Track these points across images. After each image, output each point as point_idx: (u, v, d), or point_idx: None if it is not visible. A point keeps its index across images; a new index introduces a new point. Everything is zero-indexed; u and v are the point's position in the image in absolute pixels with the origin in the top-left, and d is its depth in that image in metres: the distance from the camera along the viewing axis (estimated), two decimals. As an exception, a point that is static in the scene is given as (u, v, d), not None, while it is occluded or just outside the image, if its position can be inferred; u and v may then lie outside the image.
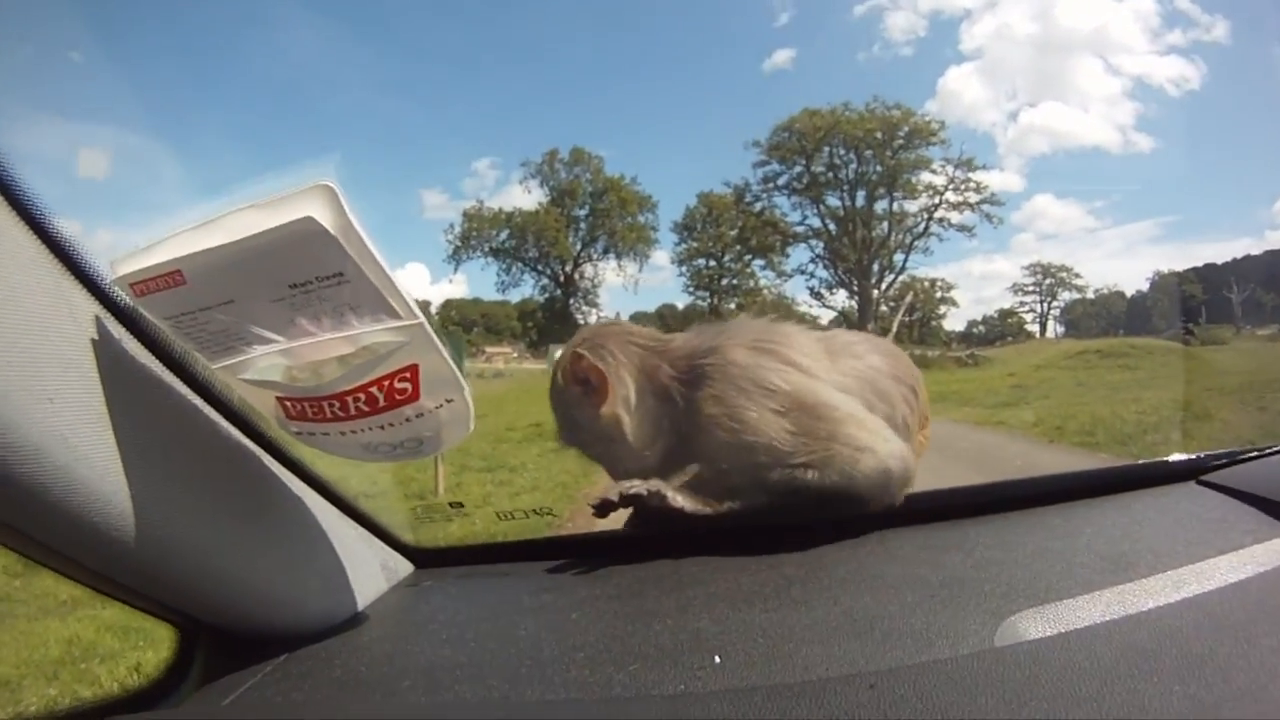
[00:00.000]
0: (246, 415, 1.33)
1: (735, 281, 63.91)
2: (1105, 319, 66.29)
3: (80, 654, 5.07)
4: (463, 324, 71.32)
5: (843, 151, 54.74)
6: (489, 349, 61.51)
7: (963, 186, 54.01)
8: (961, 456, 11.52)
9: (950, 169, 53.89)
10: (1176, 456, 2.02)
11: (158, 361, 1.19)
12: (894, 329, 51.43)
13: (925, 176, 54.66)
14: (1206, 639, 1.03)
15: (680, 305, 75.89)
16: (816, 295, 58.01)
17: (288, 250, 0.99)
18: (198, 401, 1.25)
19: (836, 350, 2.00)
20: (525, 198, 60.27)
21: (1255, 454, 1.92)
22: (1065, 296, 67.96)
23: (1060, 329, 65.47)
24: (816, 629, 1.24)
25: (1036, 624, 1.18)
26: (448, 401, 1.21)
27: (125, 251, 1.06)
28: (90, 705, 1.61)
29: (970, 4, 68.56)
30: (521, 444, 15.47)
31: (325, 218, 0.97)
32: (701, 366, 1.86)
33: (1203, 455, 1.96)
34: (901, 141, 53.92)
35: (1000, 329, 67.57)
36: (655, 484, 1.77)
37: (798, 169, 55.77)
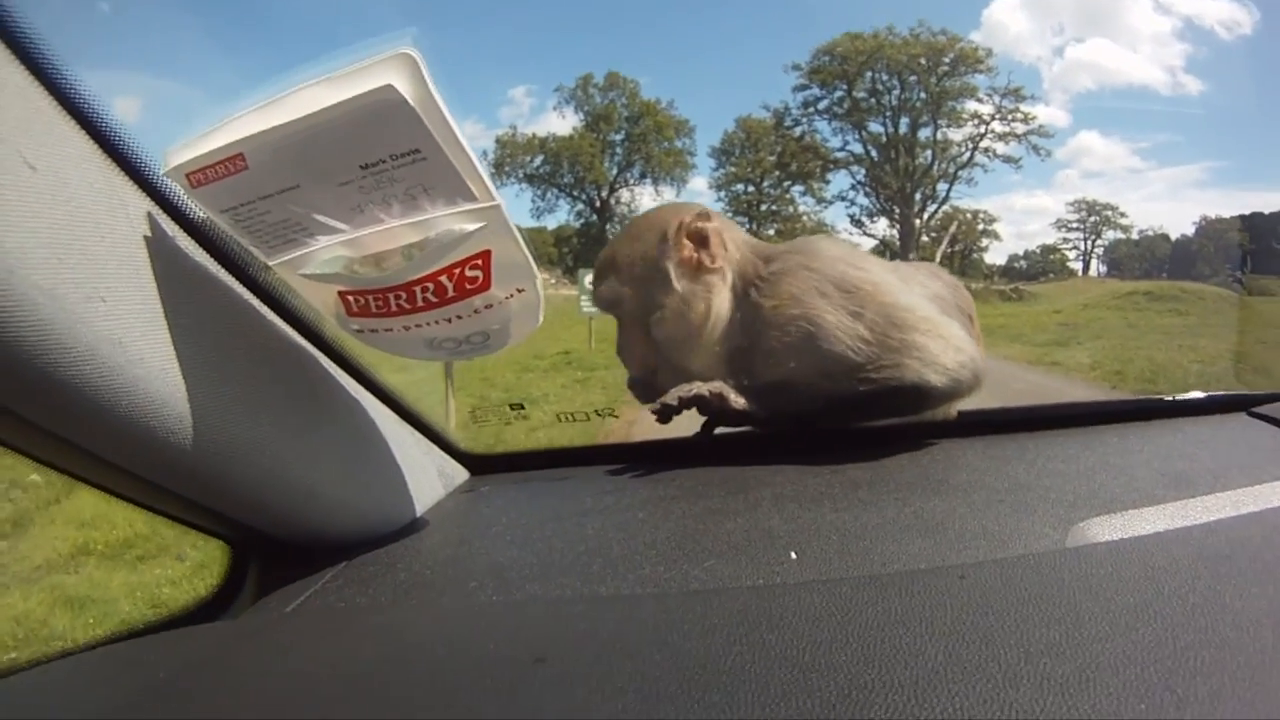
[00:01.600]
0: (306, 316, 1.31)
1: (775, 208, 64.02)
2: (1149, 261, 66.44)
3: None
4: None
5: (885, 77, 54.06)
6: None
7: (1009, 116, 53.28)
8: (1022, 399, 11.16)
9: (997, 98, 53.10)
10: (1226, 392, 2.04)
11: (214, 260, 1.16)
12: (937, 259, 50.70)
13: (971, 105, 53.96)
14: (1276, 549, 1.02)
15: None
16: (857, 223, 57.68)
17: (363, 124, 0.93)
18: (255, 302, 1.22)
19: (905, 275, 1.97)
20: (561, 124, 60.42)
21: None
22: (1109, 236, 67.98)
23: (1102, 268, 65.91)
24: (888, 528, 1.24)
25: (1106, 529, 1.19)
26: (519, 291, 1.17)
27: (181, 141, 0.99)
28: (145, 623, 1.54)
29: None
30: (548, 373, 15.59)
31: (405, 88, 0.91)
32: (785, 266, 1.83)
33: (1251, 393, 1.97)
34: (947, 68, 53.12)
35: (1042, 265, 67.70)
36: (718, 385, 1.74)
37: (839, 94, 55.04)
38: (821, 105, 55.74)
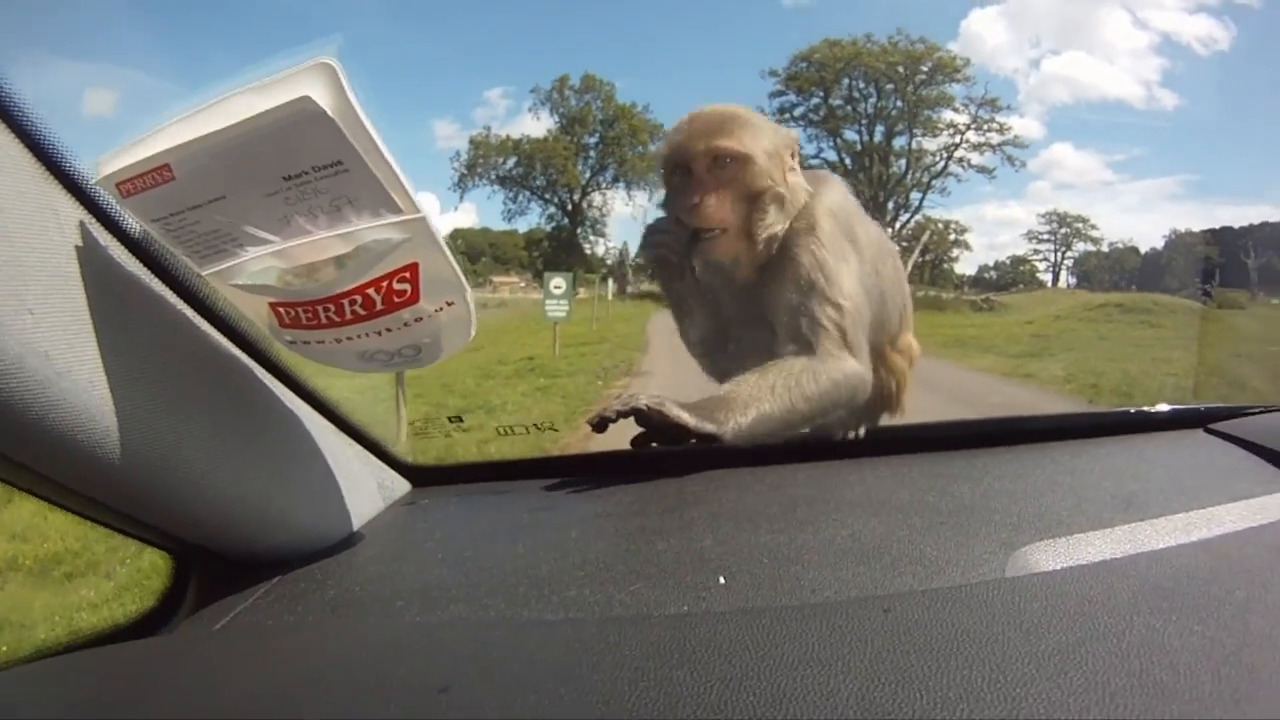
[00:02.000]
0: (239, 326, 1.31)
1: None
2: (1118, 273, 66.89)
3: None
4: (470, 253, 72.28)
5: (862, 85, 54.29)
6: (496, 278, 62.05)
7: (985, 126, 53.54)
8: (1000, 414, 11.11)
9: (973, 108, 53.44)
10: (1183, 406, 2.10)
11: (146, 270, 1.16)
12: (908, 268, 50.56)
13: (946, 114, 54.30)
14: (1223, 581, 1.03)
15: None
16: None
17: (282, 136, 0.94)
18: (188, 312, 1.23)
19: (885, 253, 2.23)
20: (535, 126, 60.10)
21: (1261, 409, 1.97)
22: (1079, 247, 68.47)
23: (1072, 280, 66.40)
24: (822, 551, 1.25)
25: (1048, 556, 1.19)
26: (448, 304, 1.18)
27: (112, 150, 1.01)
28: (86, 636, 1.57)
29: None
30: (509, 380, 15.44)
31: (324, 99, 0.92)
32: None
33: (1209, 406, 2.01)
34: (924, 76, 53.43)
35: (1012, 275, 68.23)
36: (656, 398, 1.73)
37: (815, 101, 55.19)
38: (797, 112, 55.69)
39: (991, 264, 70.91)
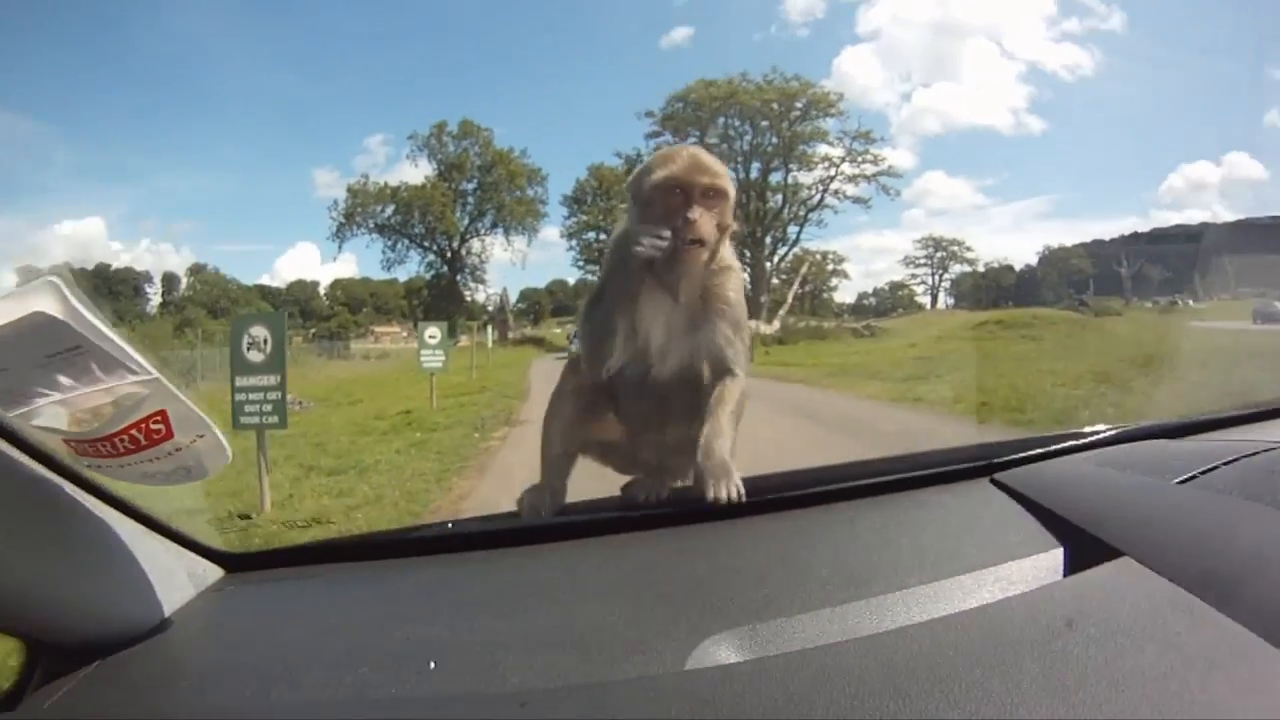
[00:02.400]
0: (46, 450, 1.39)
1: None
2: (995, 291, 70.41)
3: None
4: (350, 304, 72.26)
5: (738, 122, 55.27)
6: (377, 329, 62.84)
7: (859, 159, 54.82)
8: (894, 443, 10.71)
9: (847, 141, 54.68)
10: (976, 444, 2.13)
11: None
12: (788, 300, 52.69)
13: (821, 149, 55.44)
14: (946, 666, 1.02)
15: (571, 280, 76.89)
16: None
17: (31, 335, 1.15)
18: (3, 445, 1.31)
19: None
20: (413, 173, 60.08)
21: (1063, 446, 1.97)
22: (956, 269, 72.22)
23: (950, 301, 70.09)
24: (530, 639, 1.33)
25: (730, 647, 1.20)
26: (200, 437, 1.43)
27: None
28: None
29: None
30: (385, 435, 14.87)
31: (53, 308, 1.14)
32: None
33: (1002, 444, 2.01)
34: (799, 112, 54.46)
35: (891, 301, 71.98)
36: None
37: (691, 140, 54.18)
38: None
39: (870, 291, 74.57)
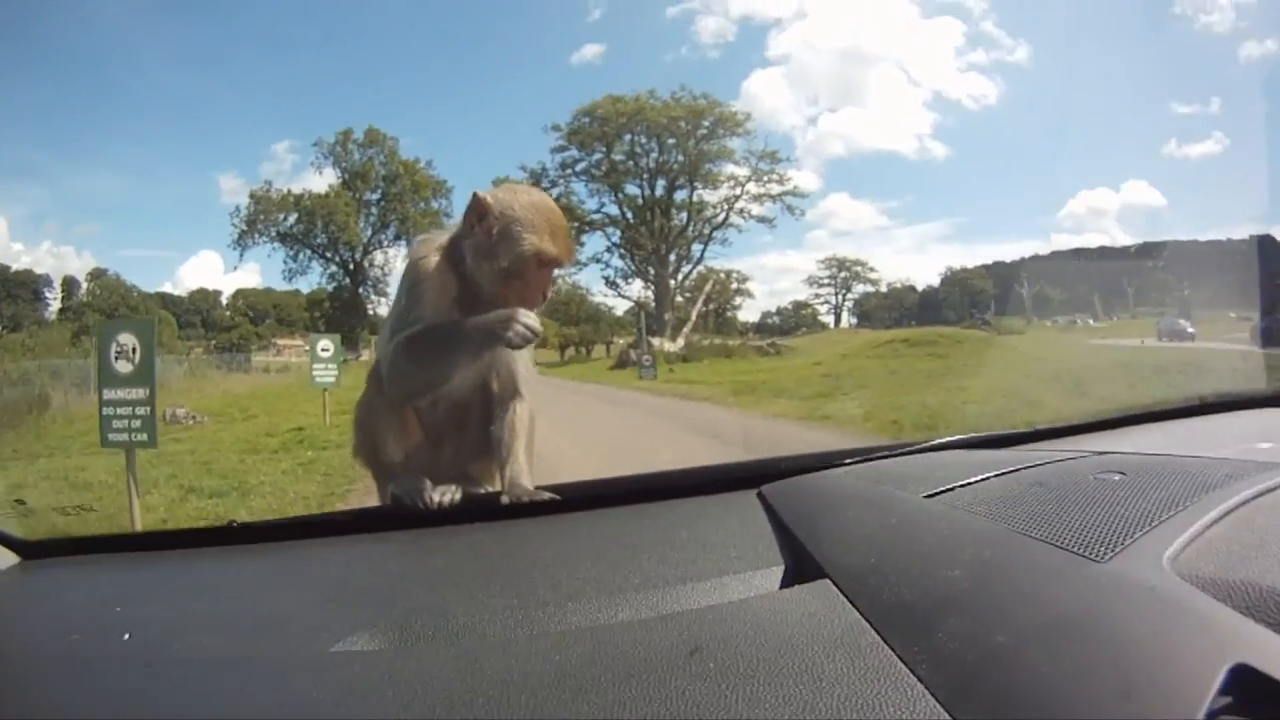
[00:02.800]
0: None
1: None
2: (898, 310, 71.56)
3: None
4: (253, 315, 70.62)
5: (644, 140, 54.72)
6: (280, 341, 60.81)
7: (765, 178, 54.72)
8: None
9: (754, 160, 54.49)
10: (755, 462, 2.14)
11: None
12: (693, 318, 52.93)
13: (728, 168, 55.27)
14: (579, 672, 1.04)
15: None
16: (612, 284, 58.84)
17: None
18: None
19: None
20: (317, 181, 58.76)
21: (850, 460, 1.97)
22: (859, 289, 71.95)
23: (853, 320, 70.21)
24: (238, 620, 1.45)
25: (386, 636, 1.26)
26: None
27: None
28: None
29: (781, 13, 72.85)
30: (275, 454, 14.10)
31: None
32: None
33: (785, 458, 2.02)
34: (706, 130, 54.12)
35: (795, 320, 71.91)
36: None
37: (597, 156, 55.46)
38: (580, 167, 56.02)
39: (774, 310, 73.76)
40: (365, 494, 10.54)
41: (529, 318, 2.04)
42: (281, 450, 14.27)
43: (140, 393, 8.02)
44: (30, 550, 1.94)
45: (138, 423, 7.91)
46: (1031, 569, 1.12)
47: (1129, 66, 65.49)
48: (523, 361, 2.29)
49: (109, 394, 8.07)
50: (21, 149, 75.56)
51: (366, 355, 40.44)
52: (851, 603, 1.11)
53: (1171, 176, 61.99)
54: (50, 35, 70.75)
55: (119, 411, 7.97)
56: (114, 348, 7.97)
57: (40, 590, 1.79)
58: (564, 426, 15.36)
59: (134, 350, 8.05)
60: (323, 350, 17.98)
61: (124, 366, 8.02)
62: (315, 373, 17.87)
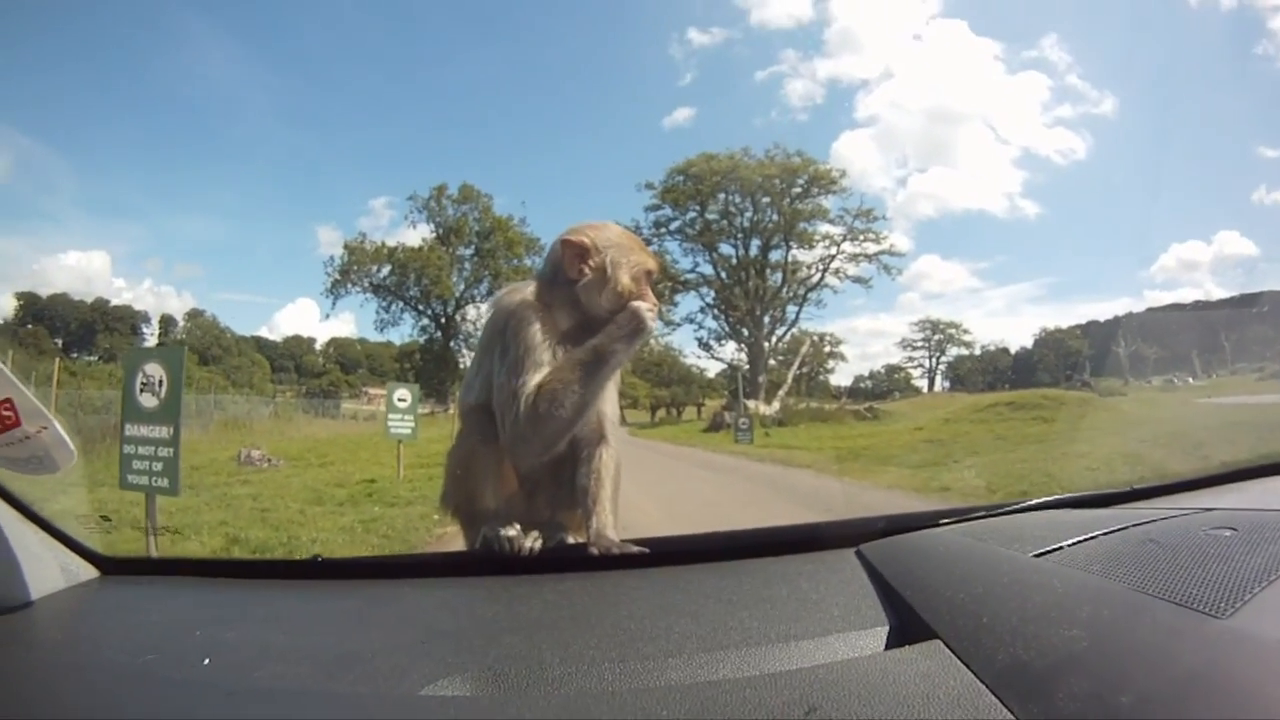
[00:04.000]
0: None
1: None
2: (991, 373, 71.43)
3: None
4: (344, 363, 71.59)
5: (738, 199, 53.47)
6: (370, 390, 61.05)
7: (861, 237, 52.87)
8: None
9: (849, 219, 52.83)
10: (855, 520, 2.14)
11: None
12: (789, 380, 50.88)
13: (822, 227, 53.67)
14: None
15: None
16: (705, 346, 57.34)
17: None
18: None
19: None
20: (411, 235, 58.98)
21: (951, 519, 1.93)
22: (952, 352, 72.16)
23: (945, 384, 69.12)
24: (322, 653, 1.45)
25: (475, 680, 1.26)
26: (43, 428, 1.65)
27: None
28: None
29: (867, 74, 77.43)
30: (340, 506, 12.90)
31: None
32: None
33: (879, 518, 1.96)
34: (800, 189, 52.75)
35: (888, 384, 71.61)
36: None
37: (691, 214, 54.35)
38: (673, 226, 54.80)
39: (867, 374, 74.22)
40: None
41: (647, 301, 2.21)
42: (348, 503, 13.06)
43: (164, 431, 6.89)
44: (110, 566, 2.01)
45: (159, 465, 6.82)
46: (1152, 627, 1.11)
47: (1214, 113, 66.03)
48: (611, 404, 2.32)
49: (131, 430, 6.99)
50: (125, 190, 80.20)
51: (454, 408, 39.93)
52: (965, 663, 1.09)
53: (1263, 224, 61.20)
54: (155, 84, 74.54)
55: (140, 450, 6.91)
56: (139, 379, 6.77)
57: (118, 605, 1.86)
58: (658, 493, 14.21)
59: (160, 383, 6.97)
60: (399, 400, 16.74)
61: (149, 400, 6.92)
62: (391, 423, 16.64)
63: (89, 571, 1.94)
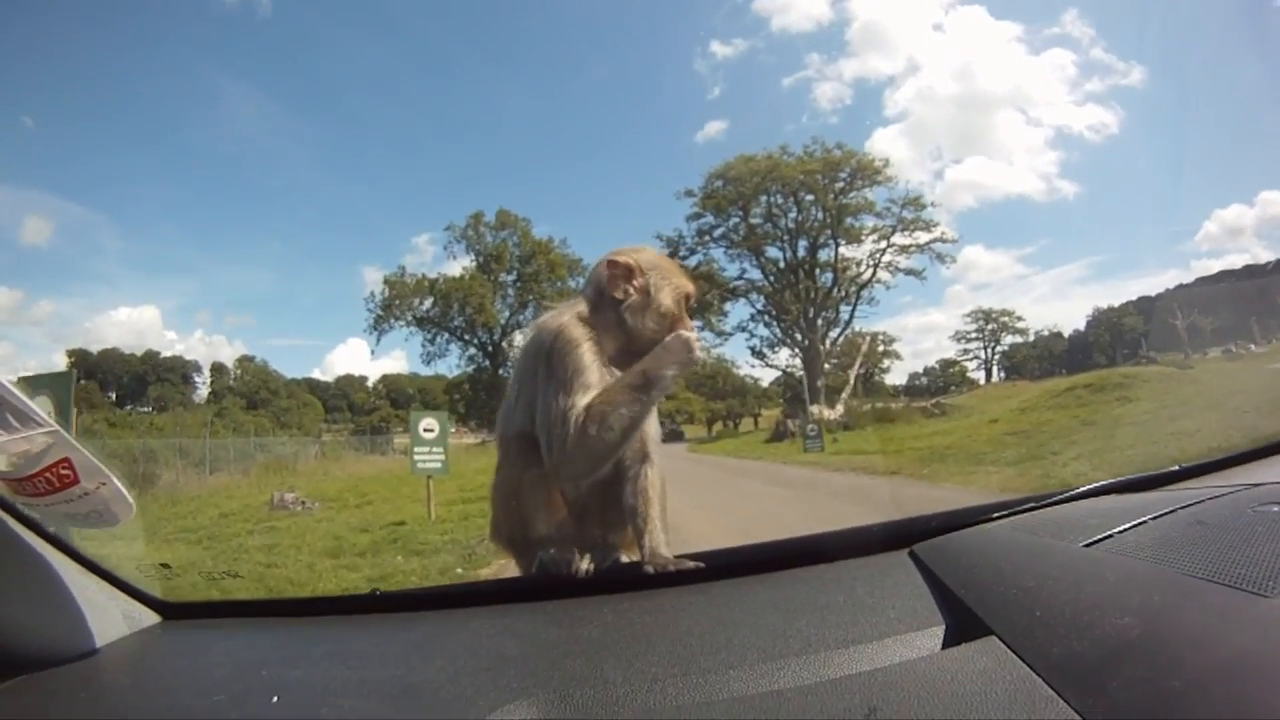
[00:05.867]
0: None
1: None
2: (1047, 360, 71.51)
3: None
4: (395, 398, 71.92)
5: (780, 199, 51.63)
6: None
7: (912, 226, 50.56)
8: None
9: (897, 209, 50.58)
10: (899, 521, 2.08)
11: None
12: (851, 381, 48.97)
13: (870, 221, 51.69)
14: None
15: None
16: (758, 354, 55.86)
17: None
18: None
19: None
20: (452, 265, 58.78)
21: (1002, 512, 1.92)
22: (1007, 341, 71.93)
23: (1001, 374, 67.07)
24: (386, 687, 1.45)
25: (543, 705, 1.25)
26: (102, 484, 1.64)
27: None
28: None
29: (893, 70, 76.10)
30: (360, 557, 11.12)
31: None
32: None
33: (930, 516, 1.97)
34: (843, 183, 50.63)
35: (943, 379, 70.45)
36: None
37: (734, 220, 52.63)
38: (717, 233, 53.16)
39: (921, 371, 75.09)
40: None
41: (692, 331, 2.22)
42: (368, 552, 11.28)
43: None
44: (171, 611, 2.03)
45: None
46: (1202, 610, 1.11)
47: (1244, 72, 64.95)
48: (653, 422, 2.28)
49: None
50: (172, 247, 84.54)
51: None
52: (1020, 658, 1.10)
53: (1307, 180, 57.88)
54: (195, 144, 77.37)
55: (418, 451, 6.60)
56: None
57: (182, 649, 1.85)
58: (733, 520, 12.37)
59: (49, 414, 5.14)
60: (425, 430, 15.01)
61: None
62: (417, 458, 14.81)
63: (151, 617, 1.96)
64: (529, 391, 2.21)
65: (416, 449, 14.64)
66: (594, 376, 2.13)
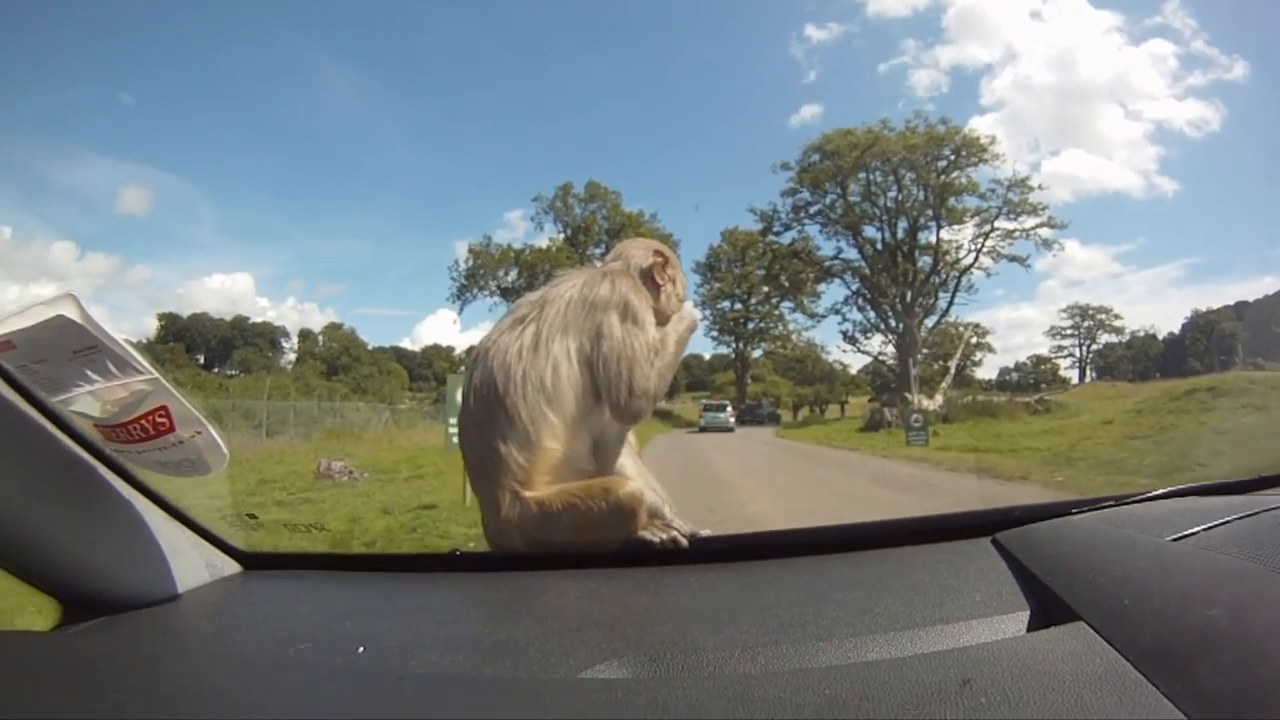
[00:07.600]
0: (83, 434, 1.59)
1: (763, 325, 60.98)
2: (1142, 361, 71.33)
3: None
4: None
5: (880, 176, 49.12)
6: None
7: (1017, 210, 47.63)
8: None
9: (1002, 190, 47.66)
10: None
11: (17, 395, 1.46)
12: (951, 370, 46.44)
13: (973, 202, 48.89)
14: (831, 706, 1.04)
15: (706, 355, 73.43)
16: (850, 339, 53.88)
17: (55, 334, 1.38)
18: (46, 425, 1.51)
19: None
20: (543, 238, 58.41)
21: (1065, 511, 1.88)
22: (1102, 339, 72.31)
23: (1093, 374, 65.17)
24: (465, 642, 1.44)
25: (634, 664, 1.24)
26: (197, 433, 1.61)
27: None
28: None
29: (990, 58, 74.10)
30: (369, 546, 9.49)
31: (72, 313, 1.36)
32: None
33: (1017, 507, 1.95)
34: (947, 161, 47.84)
35: (1033, 375, 68.38)
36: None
37: (831, 197, 50.26)
38: (813, 210, 50.84)
39: (1012, 366, 74.68)
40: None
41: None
42: (382, 540, 9.95)
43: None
44: (252, 561, 2.05)
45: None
46: None
47: None
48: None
49: None
50: (268, 217, 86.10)
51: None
52: (1109, 643, 1.09)
53: None
54: (292, 120, 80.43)
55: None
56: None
57: (263, 599, 1.89)
58: None
59: None
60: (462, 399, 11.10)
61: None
62: (453, 432, 10.44)
63: (232, 566, 2.00)
64: (590, 333, 2.21)
65: (453, 420, 10.97)
66: (656, 332, 2.29)
